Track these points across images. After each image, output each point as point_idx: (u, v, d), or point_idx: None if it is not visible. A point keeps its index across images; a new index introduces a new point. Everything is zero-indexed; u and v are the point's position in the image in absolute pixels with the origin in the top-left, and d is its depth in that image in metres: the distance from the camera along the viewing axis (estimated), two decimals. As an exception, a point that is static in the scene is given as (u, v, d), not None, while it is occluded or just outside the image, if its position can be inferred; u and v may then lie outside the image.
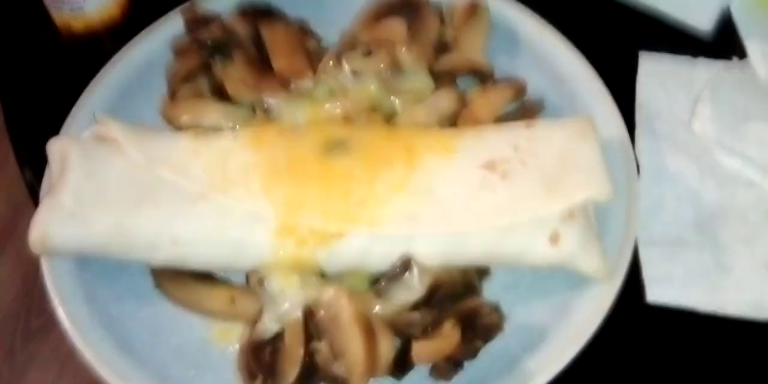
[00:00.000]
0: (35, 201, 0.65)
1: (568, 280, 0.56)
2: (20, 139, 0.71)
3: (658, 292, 0.58)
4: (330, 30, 0.68)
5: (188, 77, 0.65)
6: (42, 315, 1.43)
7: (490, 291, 0.57)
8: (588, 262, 0.55)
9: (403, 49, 0.62)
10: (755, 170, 0.61)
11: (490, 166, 0.56)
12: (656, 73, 0.68)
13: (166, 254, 0.56)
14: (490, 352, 0.54)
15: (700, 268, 0.59)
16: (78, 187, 0.56)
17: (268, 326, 0.55)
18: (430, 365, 0.53)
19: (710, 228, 0.60)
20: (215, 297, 0.58)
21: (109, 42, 0.75)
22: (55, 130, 0.65)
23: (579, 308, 0.56)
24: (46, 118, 0.71)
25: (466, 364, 0.53)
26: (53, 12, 0.74)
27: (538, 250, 0.54)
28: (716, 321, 0.58)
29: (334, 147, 0.57)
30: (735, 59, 0.68)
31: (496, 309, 0.54)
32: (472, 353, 0.53)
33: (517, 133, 0.58)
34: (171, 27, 0.68)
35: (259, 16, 0.66)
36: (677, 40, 0.71)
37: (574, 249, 0.54)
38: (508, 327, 0.55)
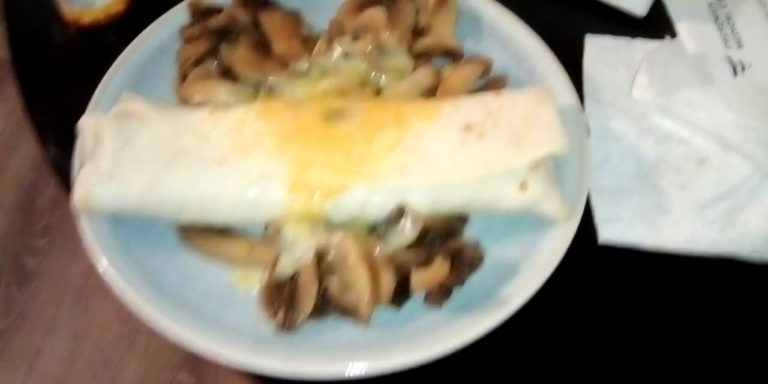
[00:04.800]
0: (60, 175, 0.74)
1: (534, 222, 0.66)
2: (41, 120, 0.79)
3: (608, 231, 0.69)
4: (318, 19, 0.78)
5: (198, 61, 0.73)
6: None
7: (470, 234, 0.67)
8: (551, 205, 0.65)
9: (386, 33, 0.72)
10: (686, 128, 0.72)
11: (467, 128, 0.66)
12: (600, 52, 0.79)
13: (194, 211, 0.64)
14: (472, 283, 0.64)
15: (642, 210, 0.69)
16: (114, 153, 0.64)
17: (286, 268, 0.64)
18: (424, 295, 0.63)
19: (650, 178, 0.71)
20: (235, 246, 0.66)
21: (113, 33, 0.84)
22: (70, 111, 0.72)
23: (544, 245, 0.65)
24: (62, 100, 0.79)
25: (454, 293, 0.63)
26: (64, 6, 0.82)
27: (510, 196, 0.64)
28: (657, 257, 0.69)
29: (334, 115, 0.67)
30: (667, 38, 0.80)
31: (477, 246, 0.64)
32: (460, 281, 0.62)
33: (488, 100, 0.68)
34: (177, 18, 0.77)
35: (258, 6, 0.76)
36: (618, 23, 0.83)
37: (539, 195, 0.64)
38: (486, 262, 0.64)
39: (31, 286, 1.56)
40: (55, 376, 1.45)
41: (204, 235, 0.67)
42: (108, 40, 0.84)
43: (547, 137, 0.65)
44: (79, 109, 0.72)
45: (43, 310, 1.53)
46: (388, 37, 0.73)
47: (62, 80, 0.81)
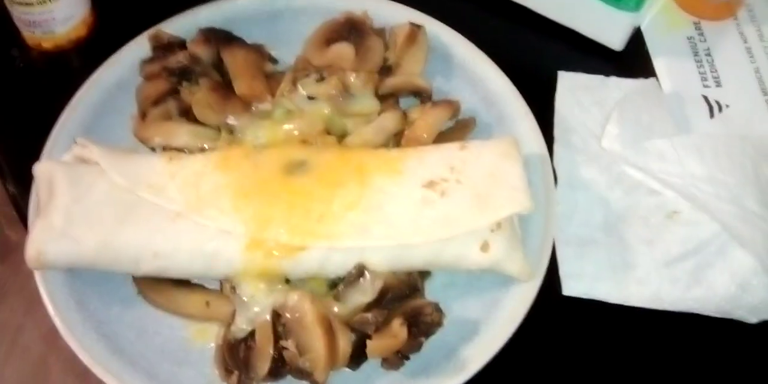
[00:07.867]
0: (19, 214, 0.72)
1: (497, 279, 0.65)
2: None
3: (572, 286, 0.68)
4: (285, 51, 0.75)
5: (158, 101, 0.71)
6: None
7: (431, 289, 0.66)
8: (513, 266, 0.64)
9: (353, 75, 0.70)
10: (656, 181, 0.70)
11: (430, 185, 0.64)
12: (572, 91, 0.76)
13: (148, 267, 0.63)
14: (431, 343, 0.63)
15: (608, 266, 0.68)
16: (67, 208, 0.63)
17: (241, 327, 0.62)
18: (381, 357, 0.62)
19: (617, 230, 0.69)
20: (192, 301, 0.65)
21: (77, 58, 0.82)
22: (31, 144, 0.71)
23: (506, 303, 0.65)
24: (22, 132, 0.77)
25: (411, 355, 0.62)
26: (24, 33, 0.80)
27: (471, 257, 0.63)
28: (622, 310, 0.68)
29: (295, 168, 0.65)
30: (642, 79, 0.77)
31: (437, 308, 0.63)
32: (417, 348, 0.61)
33: (452, 154, 0.66)
34: (138, 50, 0.74)
35: (220, 41, 0.73)
36: (595, 56, 0.80)
37: (501, 255, 0.63)
38: (447, 321, 0.63)
39: (14, 259, 1.51)
40: (38, 353, 1.41)
41: (160, 287, 0.66)
42: (72, 65, 0.82)
43: (510, 197, 0.63)
44: (40, 138, 0.71)
45: (26, 285, 1.50)
46: (354, 78, 0.70)
47: (22, 108, 0.79)
